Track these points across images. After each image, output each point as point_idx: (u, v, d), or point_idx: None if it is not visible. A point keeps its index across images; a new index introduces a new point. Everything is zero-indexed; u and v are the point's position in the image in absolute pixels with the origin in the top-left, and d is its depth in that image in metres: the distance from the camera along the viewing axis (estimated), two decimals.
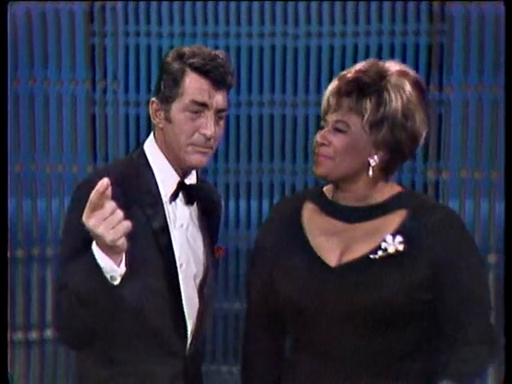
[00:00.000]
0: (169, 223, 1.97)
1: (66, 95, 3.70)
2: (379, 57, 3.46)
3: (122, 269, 1.69)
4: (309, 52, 3.66)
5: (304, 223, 1.91)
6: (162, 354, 1.96)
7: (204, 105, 1.92)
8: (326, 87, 1.88)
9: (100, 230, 1.59)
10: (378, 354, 1.80)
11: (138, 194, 1.94)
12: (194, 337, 2.01)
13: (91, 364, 1.97)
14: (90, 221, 1.59)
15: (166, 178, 1.99)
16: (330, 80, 1.89)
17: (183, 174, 2.01)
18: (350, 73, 1.84)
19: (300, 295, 1.83)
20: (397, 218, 1.84)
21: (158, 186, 1.98)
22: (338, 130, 1.82)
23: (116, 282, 1.69)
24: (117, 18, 3.68)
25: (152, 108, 1.99)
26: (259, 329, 1.99)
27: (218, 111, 1.94)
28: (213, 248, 2.11)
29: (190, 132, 1.93)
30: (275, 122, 3.71)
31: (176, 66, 1.94)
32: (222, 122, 1.97)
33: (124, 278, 1.70)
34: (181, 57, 1.94)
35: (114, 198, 1.60)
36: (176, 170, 2.00)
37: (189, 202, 2.02)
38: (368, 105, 1.79)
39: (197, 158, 1.95)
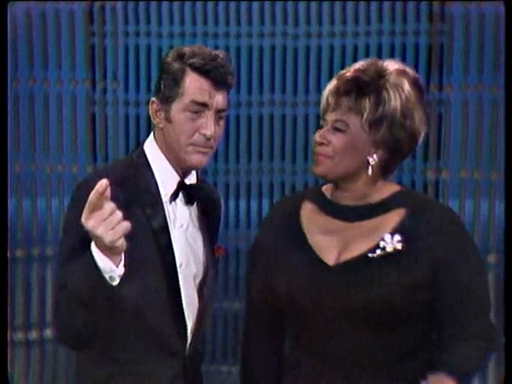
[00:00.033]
0: (169, 223, 1.97)
1: (65, 95, 3.70)
2: (379, 57, 3.45)
3: (121, 269, 1.69)
4: (309, 52, 3.66)
5: (303, 223, 1.91)
6: (162, 353, 1.96)
7: (204, 105, 1.92)
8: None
9: (99, 230, 1.59)
10: (376, 354, 1.80)
11: (137, 193, 1.94)
12: (193, 337, 2.01)
13: (91, 364, 1.97)
14: (89, 221, 1.59)
15: (165, 178, 1.99)
16: (329, 80, 1.90)
17: (183, 173, 2.01)
18: (348, 72, 1.84)
19: (299, 294, 1.83)
20: (395, 216, 1.84)
21: (157, 186, 1.98)
22: (337, 130, 1.83)
23: (115, 283, 1.69)
24: (116, 18, 3.68)
25: (152, 108, 1.99)
26: (259, 328, 1.99)
27: (218, 111, 1.94)
28: (213, 248, 2.11)
29: (190, 132, 1.93)
30: (275, 122, 3.71)
31: (176, 66, 1.94)
32: (222, 122, 1.97)
33: (123, 278, 1.70)
34: (181, 57, 1.94)
35: (113, 197, 1.60)
36: (176, 170, 2.00)
37: (189, 201, 2.02)
38: (367, 104, 1.80)
39: (197, 158, 1.95)
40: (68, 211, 1.93)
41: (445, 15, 3.59)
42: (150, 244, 1.93)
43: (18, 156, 3.66)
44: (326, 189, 1.94)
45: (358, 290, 1.78)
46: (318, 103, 1.91)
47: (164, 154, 1.99)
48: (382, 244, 1.81)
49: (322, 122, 1.87)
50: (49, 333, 3.70)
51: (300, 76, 3.67)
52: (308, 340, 1.86)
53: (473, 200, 3.62)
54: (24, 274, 3.72)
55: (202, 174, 2.18)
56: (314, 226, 1.90)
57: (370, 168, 1.84)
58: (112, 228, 1.59)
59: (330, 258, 1.84)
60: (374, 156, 1.83)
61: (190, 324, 2.00)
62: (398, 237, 1.81)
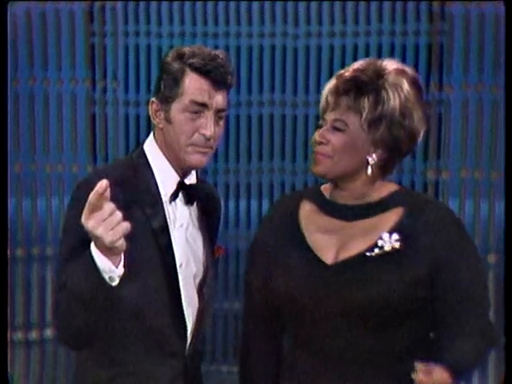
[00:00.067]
0: (168, 223, 1.97)
1: (65, 95, 3.70)
2: (379, 57, 3.44)
3: (121, 270, 1.69)
4: (309, 52, 3.66)
5: (301, 222, 1.91)
6: (162, 354, 1.96)
7: (204, 105, 1.92)
8: None
9: (99, 231, 1.59)
10: (375, 353, 1.80)
11: (137, 193, 1.94)
12: (193, 337, 2.01)
13: (91, 364, 1.97)
14: (89, 222, 1.59)
15: (165, 178, 1.99)
16: (329, 80, 1.90)
17: (183, 173, 2.01)
18: (347, 72, 1.84)
19: (297, 293, 1.84)
20: (393, 215, 1.85)
21: (157, 186, 1.98)
22: (336, 129, 1.83)
23: (114, 283, 1.69)
24: (116, 18, 3.68)
25: (152, 108, 1.99)
26: (257, 328, 1.99)
27: (218, 111, 1.94)
28: (212, 248, 2.11)
29: (190, 132, 1.93)
30: (275, 122, 3.71)
31: (176, 66, 1.93)
32: (221, 122, 1.97)
33: (123, 278, 1.70)
34: (181, 57, 1.94)
35: (113, 197, 1.60)
36: (176, 170, 2.00)
37: (188, 201, 2.02)
38: (366, 103, 1.80)
39: (197, 158, 1.95)
40: (68, 211, 1.93)
41: (445, 15, 3.59)
42: (149, 244, 1.92)
43: (18, 156, 3.66)
44: (325, 188, 1.94)
45: (356, 289, 1.78)
46: (317, 103, 1.91)
47: (164, 154, 1.99)
48: (380, 243, 1.81)
49: (321, 122, 1.88)
50: (49, 333, 3.71)
51: (300, 76, 3.67)
52: (307, 339, 1.86)
53: (473, 200, 3.63)
54: (24, 273, 3.72)
55: (202, 174, 2.18)
56: (313, 225, 1.90)
57: (370, 168, 1.84)
58: (112, 228, 1.59)
59: (329, 257, 1.84)
60: (373, 155, 1.84)
61: (189, 324, 2.00)
62: (396, 236, 1.81)
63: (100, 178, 1.58)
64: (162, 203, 1.97)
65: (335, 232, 1.87)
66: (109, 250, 1.64)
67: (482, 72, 3.59)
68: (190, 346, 2.00)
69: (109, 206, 1.59)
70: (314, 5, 3.64)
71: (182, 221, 2.00)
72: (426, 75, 3.58)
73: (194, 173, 2.05)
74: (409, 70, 1.87)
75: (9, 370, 3.28)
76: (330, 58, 3.64)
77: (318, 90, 1.93)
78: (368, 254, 1.81)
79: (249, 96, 3.69)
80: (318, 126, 1.88)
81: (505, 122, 2.96)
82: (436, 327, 1.83)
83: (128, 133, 3.72)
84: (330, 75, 1.90)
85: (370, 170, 1.84)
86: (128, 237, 1.64)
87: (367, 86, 1.80)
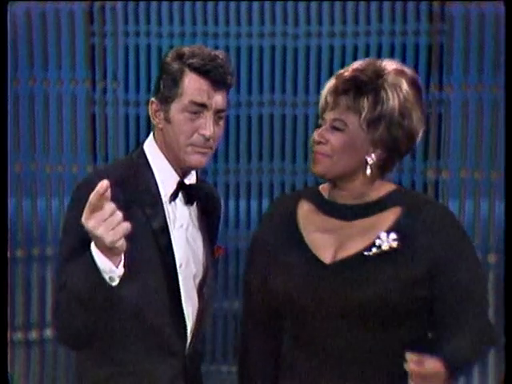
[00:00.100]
0: (168, 223, 1.97)
1: (65, 95, 3.70)
2: (379, 57, 3.45)
3: (121, 270, 1.69)
4: (309, 52, 3.66)
5: (300, 223, 1.92)
6: (162, 353, 1.96)
7: (203, 105, 1.92)
8: None
9: (99, 231, 1.59)
10: (375, 353, 1.80)
11: (137, 193, 1.94)
12: (193, 336, 2.01)
13: (91, 364, 1.97)
14: (90, 222, 1.59)
15: (165, 178, 1.99)
16: None
17: (183, 173, 2.01)
18: (347, 71, 1.84)
19: (296, 293, 1.84)
20: (391, 215, 1.85)
21: (157, 186, 1.98)
22: (335, 129, 1.83)
23: (114, 283, 1.69)
24: (116, 18, 3.68)
25: (151, 108, 1.99)
26: (256, 328, 1.99)
27: (218, 111, 1.94)
28: (212, 248, 2.11)
29: (189, 132, 1.93)
30: (275, 122, 3.71)
31: (175, 66, 1.93)
32: (221, 122, 1.97)
33: (123, 278, 1.70)
34: (180, 57, 1.94)
35: (113, 198, 1.60)
36: (176, 170, 2.00)
37: (188, 201, 2.02)
38: (365, 103, 1.80)
39: (196, 159, 1.95)
40: (68, 211, 1.93)
41: (445, 15, 3.59)
42: (149, 244, 1.92)
43: (18, 156, 3.66)
44: (323, 188, 1.95)
45: (354, 288, 1.78)
46: (317, 103, 1.91)
47: (164, 154, 1.99)
48: (377, 242, 1.82)
49: (320, 121, 1.88)
50: (49, 333, 3.70)
51: (300, 76, 3.67)
52: (306, 339, 1.86)
53: (473, 200, 3.63)
54: (24, 274, 3.72)
55: (202, 174, 2.18)
56: (312, 225, 1.90)
57: (369, 168, 1.84)
58: (112, 229, 1.59)
59: (327, 257, 1.84)
60: (372, 155, 1.84)
61: (189, 324, 2.00)
62: (393, 235, 1.82)
63: (100, 179, 1.58)
64: (161, 203, 1.97)
65: (333, 231, 1.87)
66: (109, 250, 1.64)
67: (481, 72, 3.59)
68: (189, 345, 2.00)
69: (109, 207, 1.59)
70: (314, 5, 3.64)
71: (181, 221, 2.00)
72: (426, 75, 3.58)
73: (193, 173, 2.05)
74: (408, 70, 1.87)
75: (9, 369, 3.28)
76: (330, 58, 3.64)
77: (318, 90, 1.93)
78: (366, 253, 1.81)
79: (249, 96, 3.69)
80: (317, 126, 1.88)
81: (505, 122, 2.96)
82: (435, 327, 1.83)
83: (128, 133, 3.72)
84: (330, 75, 1.90)
85: (369, 170, 1.85)
86: (128, 237, 1.64)
87: (366, 85, 1.80)
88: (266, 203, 3.66)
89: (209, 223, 2.09)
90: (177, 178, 2.00)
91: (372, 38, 3.63)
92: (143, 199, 1.95)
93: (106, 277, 1.67)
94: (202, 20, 3.67)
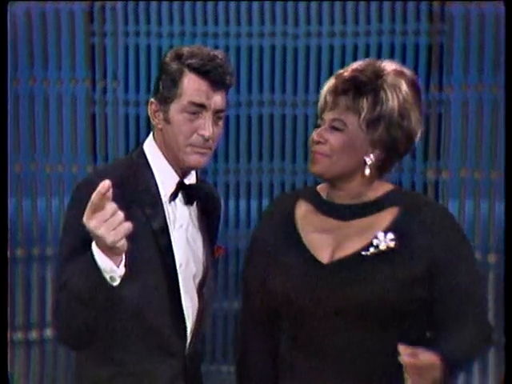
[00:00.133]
0: (168, 223, 1.97)
1: (65, 95, 3.70)
2: (379, 57, 3.46)
3: (122, 270, 1.69)
4: (309, 52, 3.66)
5: (298, 223, 1.92)
6: (162, 353, 1.96)
7: (202, 106, 1.92)
8: None
9: (101, 231, 1.59)
10: (374, 353, 1.80)
11: (137, 193, 1.94)
12: (193, 336, 2.01)
13: (91, 364, 1.97)
14: (91, 222, 1.59)
15: (165, 178, 1.99)
16: None
17: (183, 174, 2.01)
18: (346, 71, 1.85)
19: (294, 293, 1.84)
20: (389, 215, 1.85)
21: (157, 186, 1.98)
22: (334, 129, 1.83)
23: (115, 283, 1.69)
24: (116, 18, 3.68)
25: (151, 109, 1.99)
26: (255, 328, 1.99)
27: (217, 112, 1.94)
28: (212, 248, 2.11)
29: (189, 133, 1.93)
30: (275, 122, 3.71)
31: (174, 66, 1.93)
32: (220, 123, 1.97)
33: (124, 278, 1.70)
34: (179, 57, 1.93)
35: (113, 197, 1.60)
36: (175, 170, 1.99)
37: (188, 202, 2.02)
38: (365, 103, 1.80)
39: (195, 159, 1.95)
40: (68, 211, 1.93)
41: (445, 15, 3.59)
42: (149, 244, 1.92)
43: (17, 156, 3.66)
44: (321, 188, 1.95)
45: (352, 288, 1.78)
46: (317, 103, 1.91)
47: (163, 154, 1.99)
48: (375, 242, 1.82)
49: (319, 121, 1.88)
50: (49, 333, 3.71)
51: (300, 76, 3.68)
52: (304, 339, 1.86)
53: (473, 200, 3.63)
54: (24, 274, 3.72)
55: (202, 173, 2.18)
56: (309, 225, 1.90)
57: (367, 168, 1.84)
58: (114, 228, 1.59)
59: (324, 257, 1.85)
60: (371, 156, 1.84)
61: (189, 324, 2.00)
62: (391, 235, 1.82)
63: (100, 178, 1.58)
64: (161, 203, 1.97)
65: (331, 231, 1.87)
66: (110, 250, 1.64)
67: (481, 72, 3.59)
68: (189, 345, 2.00)
69: (111, 206, 1.59)
70: (313, 5, 3.64)
71: (181, 221, 2.00)
72: (425, 75, 3.58)
73: (193, 173, 2.05)
74: (407, 71, 1.87)
75: (9, 369, 3.28)
76: (330, 58, 3.64)
77: (318, 90, 1.93)
78: (363, 253, 1.81)
79: (249, 96, 3.69)
80: (317, 126, 1.88)
81: (505, 121, 2.96)
82: (435, 328, 1.83)
83: (128, 133, 3.72)
84: (330, 75, 1.91)
85: (367, 171, 1.85)
86: (128, 237, 1.64)
87: (366, 86, 1.81)
88: (265, 203, 3.66)
89: (209, 223, 2.09)
90: (177, 178, 2.00)
91: (372, 38, 3.63)
92: (143, 199, 1.95)
93: (107, 276, 1.67)
94: (202, 20, 3.67)
